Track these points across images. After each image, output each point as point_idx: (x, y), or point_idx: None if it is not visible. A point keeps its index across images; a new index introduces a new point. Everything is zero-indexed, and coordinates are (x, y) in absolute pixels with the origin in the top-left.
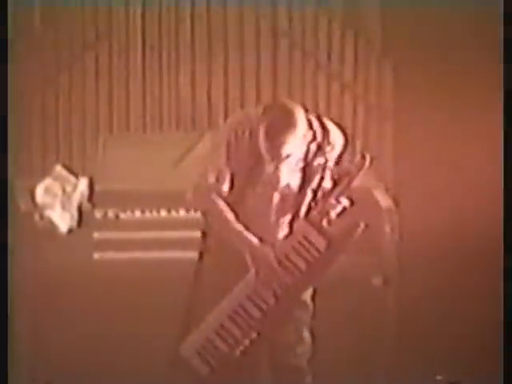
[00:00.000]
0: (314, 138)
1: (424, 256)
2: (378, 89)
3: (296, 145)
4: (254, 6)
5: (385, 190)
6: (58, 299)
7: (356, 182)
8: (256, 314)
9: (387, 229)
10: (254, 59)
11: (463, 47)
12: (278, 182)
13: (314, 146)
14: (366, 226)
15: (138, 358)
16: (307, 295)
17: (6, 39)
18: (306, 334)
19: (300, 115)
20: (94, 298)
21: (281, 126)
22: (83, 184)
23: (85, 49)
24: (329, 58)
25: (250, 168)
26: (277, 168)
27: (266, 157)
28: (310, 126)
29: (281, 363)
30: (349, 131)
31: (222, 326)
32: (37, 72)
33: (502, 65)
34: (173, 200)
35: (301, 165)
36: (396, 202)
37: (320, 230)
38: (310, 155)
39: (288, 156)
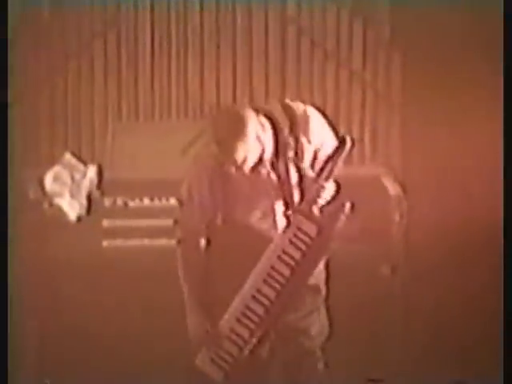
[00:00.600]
0: (277, 135)
1: (432, 245)
2: (387, 77)
3: (249, 149)
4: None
5: (393, 178)
6: (67, 287)
7: (364, 170)
8: (261, 311)
9: (396, 217)
10: (263, 47)
11: (470, 36)
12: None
13: (283, 139)
14: (352, 205)
15: (148, 355)
16: (320, 280)
17: (6, 39)
18: (320, 319)
19: (250, 120)
20: (103, 286)
21: (230, 133)
22: (92, 172)
23: (93, 37)
24: (337, 45)
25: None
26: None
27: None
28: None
29: (294, 349)
30: (357, 118)
31: (231, 329)
32: (45, 60)
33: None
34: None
35: (270, 160)
36: (404, 190)
37: (310, 218)
38: (281, 149)
39: (245, 159)
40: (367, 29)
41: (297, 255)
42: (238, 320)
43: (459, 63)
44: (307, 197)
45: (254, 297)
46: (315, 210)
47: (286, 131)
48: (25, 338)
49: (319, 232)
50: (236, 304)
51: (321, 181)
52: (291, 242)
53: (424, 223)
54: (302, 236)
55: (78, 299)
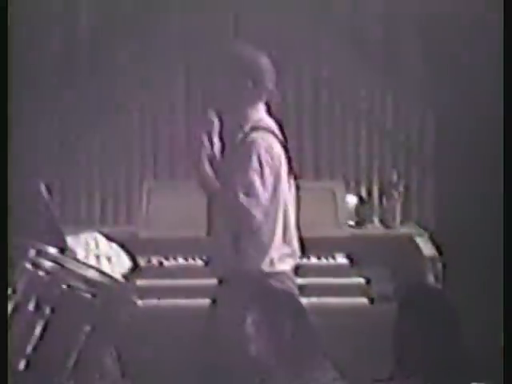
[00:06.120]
0: None
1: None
2: (420, 137)
3: None
4: (296, 54)
5: (427, 238)
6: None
7: (397, 230)
8: None
9: (430, 278)
10: (294, 107)
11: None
12: None
13: None
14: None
15: None
16: None
17: (6, 40)
18: None
19: None
20: (139, 345)
21: None
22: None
23: (131, 97)
24: (370, 107)
25: None
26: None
27: None
28: None
29: None
30: (388, 177)
31: None
32: (80, 120)
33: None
34: None
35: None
36: (439, 251)
37: None
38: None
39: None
40: (399, 89)
41: None
42: None
43: (492, 121)
44: None
45: None
46: None
47: None
48: None
49: None
50: None
51: None
52: None
53: (459, 285)
54: None
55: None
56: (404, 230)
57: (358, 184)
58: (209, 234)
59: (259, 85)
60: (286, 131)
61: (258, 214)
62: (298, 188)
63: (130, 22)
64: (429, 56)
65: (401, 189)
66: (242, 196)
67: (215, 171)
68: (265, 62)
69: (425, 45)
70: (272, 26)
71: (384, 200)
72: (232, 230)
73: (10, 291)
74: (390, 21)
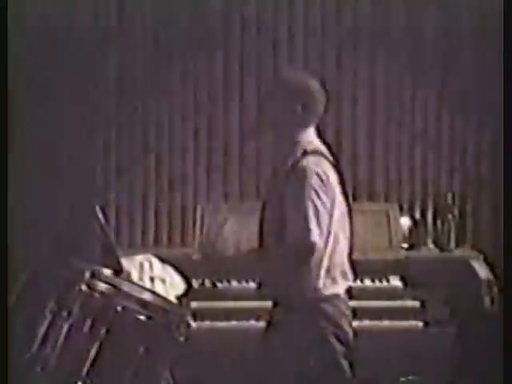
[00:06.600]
0: None
1: None
2: (476, 160)
3: None
4: (350, 77)
5: (483, 261)
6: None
7: (453, 253)
8: None
9: (487, 301)
10: (350, 131)
11: None
12: None
13: None
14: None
15: None
16: None
17: (6, 40)
18: None
19: None
20: (193, 367)
21: None
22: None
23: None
24: (425, 129)
25: None
26: None
27: None
28: None
29: None
30: (443, 201)
31: None
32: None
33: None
34: None
35: None
36: (495, 274)
37: None
38: None
39: None
40: (455, 112)
41: None
42: None
43: None
44: None
45: None
46: None
47: None
48: None
49: None
50: None
51: None
52: None
53: None
54: None
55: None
56: (459, 252)
57: (412, 206)
58: (261, 256)
59: (309, 109)
60: (340, 154)
61: (317, 239)
62: (351, 210)
63: (183, 46)
64: (486, 78)
65: (455, 211)
66: (300, 223)
67: (268, 196)
68: (314, 85)
69: (480, 65)
70: (326, 48)
71: (438, 222)
72: (285, 253)
73: (65, 313)
74: (446, 42)
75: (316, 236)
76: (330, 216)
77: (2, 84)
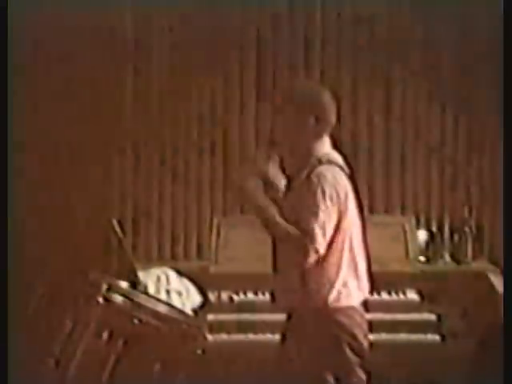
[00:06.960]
0: None
1: None
2: (492, 173)
3: None
4: (367, 89)
5: (500, 274)
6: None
7: (470, 266)
8: None
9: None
10: (366, 143)
11: None
12: None
13: None
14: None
15: None
16: None
17: (6, 40)
18: None
19: None
20: (209, 380)
21: None
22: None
23: (201, 138)
24: (442, 142)
25: None
26: None
27: None
28: None
29: None
30: (460, 214)
31: None
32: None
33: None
34: None
35: None
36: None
37: None
38: None
39: None
40: (471, 125)
41: None
42: None
43: None
44: None
45: None
46: None
47: None
48: None
49: None
50: None
51: None
52: None
53: None
54: None
55: None
56: (476, 265)
57: (428, 219)
58: (275, 268)
59: (322, 120)
60: (357, 166)
61: (320, 248)
62: (365, 221)
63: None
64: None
65: (472, 224)
66: (304, 229)
67: (279, 207)
68: (325, 96)
69: (497, 79)
70: (341, 60)
71: (455, 236)
72: (297, 264)
73: (82, 326)
74: (462, 54)
75: (318, 243)
76: (339, 224)
77: (2, 85)
